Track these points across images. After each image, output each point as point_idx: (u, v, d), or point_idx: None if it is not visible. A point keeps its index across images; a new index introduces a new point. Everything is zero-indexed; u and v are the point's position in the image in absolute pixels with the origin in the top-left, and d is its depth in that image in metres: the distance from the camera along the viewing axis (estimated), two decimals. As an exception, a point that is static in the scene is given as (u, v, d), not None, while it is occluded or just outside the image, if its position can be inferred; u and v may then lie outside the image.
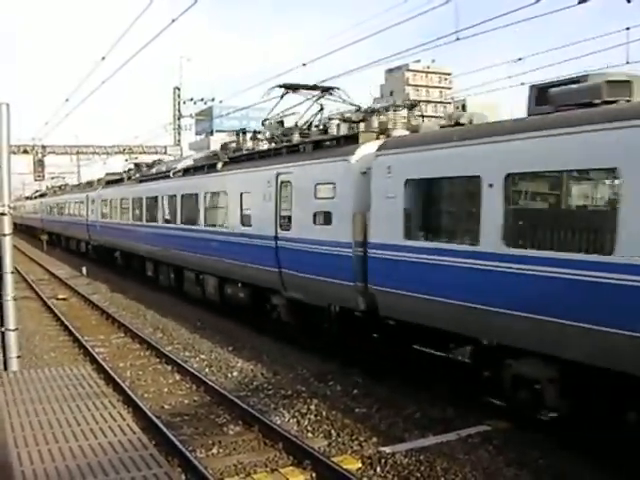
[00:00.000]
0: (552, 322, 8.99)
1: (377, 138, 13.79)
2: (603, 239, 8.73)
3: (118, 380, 13.18)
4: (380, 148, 12.79)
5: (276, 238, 15.78)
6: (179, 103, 53.73)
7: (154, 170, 29.16)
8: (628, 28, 19.20)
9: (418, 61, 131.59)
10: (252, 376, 13.94)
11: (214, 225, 20.13)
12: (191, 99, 52.47)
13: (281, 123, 18.57)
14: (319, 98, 17.60)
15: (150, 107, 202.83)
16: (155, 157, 49.74)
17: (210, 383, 13.01)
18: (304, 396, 12.30)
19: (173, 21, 17.54)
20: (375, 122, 14.99)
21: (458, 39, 16.98)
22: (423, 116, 16.43)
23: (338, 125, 16.09)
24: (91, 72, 27.46)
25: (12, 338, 11.14)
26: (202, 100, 52.13)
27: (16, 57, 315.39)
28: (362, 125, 15.12)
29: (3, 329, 11.17)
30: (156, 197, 25.91)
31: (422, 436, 10.23)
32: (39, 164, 52.62)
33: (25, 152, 51.53)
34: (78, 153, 57.09)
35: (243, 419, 10.97)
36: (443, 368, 12.39)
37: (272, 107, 18.78)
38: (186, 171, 23.40)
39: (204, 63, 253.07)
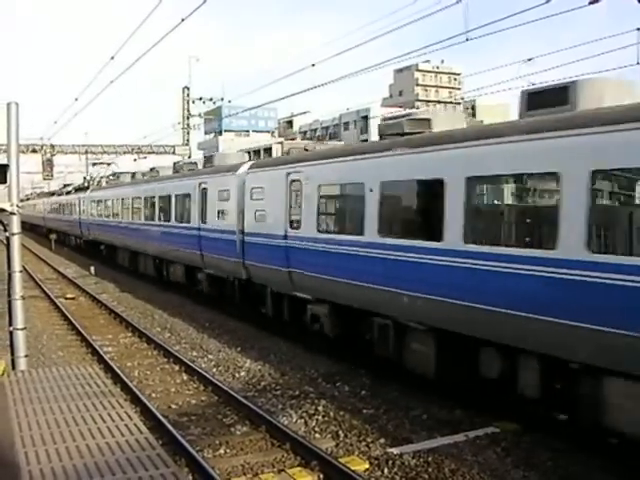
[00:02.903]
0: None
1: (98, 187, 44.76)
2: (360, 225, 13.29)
3: (126, 379, 13.18)
4: (89, 191, 43.07)
5: (79, 219, 43.31)
6: (188, 102, 53.71)
7: (64, 189, 59.84)
8: (639, 29, 19.12)
9: (427, 61, 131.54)
10: (260, 376, 13.93)
11: (69, 215, 48.25)
12: (200, 98, 52.44)
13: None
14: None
15: (159, 106, 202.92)
16: (165, 156, 50.33)
17: (218, 383, 13.00)
18: (312, 397, 12.28)
19: (183, 20, 17.56)
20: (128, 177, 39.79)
21: (468, 40, 16.94)
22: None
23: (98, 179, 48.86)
24: (100, 71, 27.55)
25: (20, 337, 11.14)
26: (211, 100, 52.09)
27: (26, 56, 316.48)
28: (96, 181, 48.36)
29: (11, 328, 11.18)
30: (65, 203, 52.09)
31: (430, 437, 10.20)
32: (48, 163, 52.83)
33: (34, 151, 51.71)
34: (87, 152, 57.23)
35: (250, 419, 10.96)
36: None
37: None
38: (67, 192, 54.42)
39: (213, 63, 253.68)
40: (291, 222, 15.96)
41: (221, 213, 20.13)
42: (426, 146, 11.90)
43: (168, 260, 25.96)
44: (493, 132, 10.86)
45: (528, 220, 10.70)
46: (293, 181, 15.98)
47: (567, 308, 8.89)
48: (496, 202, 11.94)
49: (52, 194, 66.05)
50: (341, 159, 14.64)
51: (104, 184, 44.16)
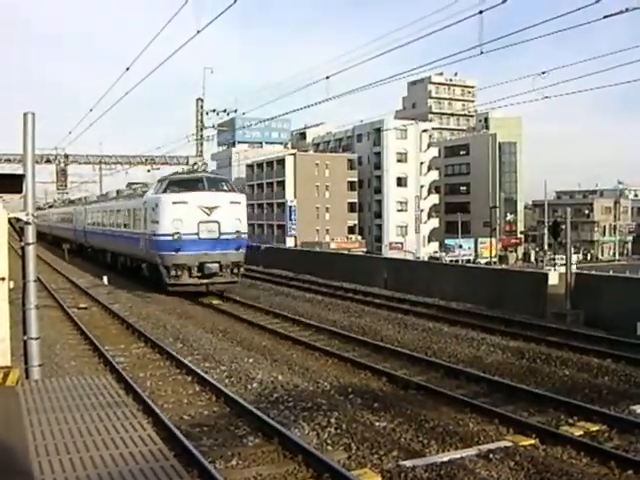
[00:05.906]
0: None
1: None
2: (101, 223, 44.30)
3: (138, 390, 13.19)
4: (53, 208, 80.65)
5: (49, 224, 74.75)
6: (202, 114, 53.91)
7: (46, 205, 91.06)
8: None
9: (441, 74, 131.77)
10: (272, 388, 13.92)
11: (46, 222, 74.70)
12: (214, 110, 52.61)
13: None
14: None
15: (173, 118, 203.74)
16: (177, 167, 50.59)
17: (230, 394, 13.00)
18: (324, 409, 12.25)
19: (198, 32, 17.66)
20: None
21: (482, 53, 16.96)
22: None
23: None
24: (115, 82, 27.76)
25: (34, 347, 11.14)
26: (225, 111, 52.23)
27: (41, 66, 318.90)
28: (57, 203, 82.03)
29: (25, 337, 11.18)
30: (46, 214, 78.58)
31: (442, 451, 10.15)
32: (62, 173, 53.15)
33: (48, 161, 51.97)
34: (101, 163, 57.47)
35: (263, 431, 10.94)
36: None
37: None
38: (46, 208, 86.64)
39: (227, 73, 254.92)
40: (87, 223, 47.14)
41: (78, 221, 50.18)
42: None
43: (64, 238, 56.13)
44: (107, 197, 45.66)
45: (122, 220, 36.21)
46: (86, 210, 47.81)
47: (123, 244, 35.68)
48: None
49: (39, 209, 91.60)
50: (91, 204, 49.60)
51: (57, 205, 78.37)
